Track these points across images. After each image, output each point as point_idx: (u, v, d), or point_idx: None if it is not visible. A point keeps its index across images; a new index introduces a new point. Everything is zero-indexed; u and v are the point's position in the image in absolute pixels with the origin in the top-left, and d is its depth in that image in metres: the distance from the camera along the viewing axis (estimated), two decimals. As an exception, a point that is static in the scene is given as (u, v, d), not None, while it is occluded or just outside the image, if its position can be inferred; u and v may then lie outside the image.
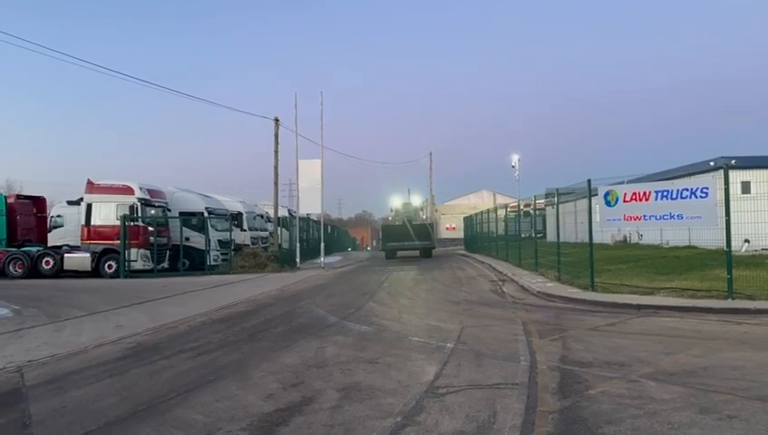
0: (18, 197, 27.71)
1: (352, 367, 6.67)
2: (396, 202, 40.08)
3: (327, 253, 30.47)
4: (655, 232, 23.53)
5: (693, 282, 12.28)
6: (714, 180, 11.19)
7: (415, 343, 8.16)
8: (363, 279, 20.16)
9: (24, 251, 23.47)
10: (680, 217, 11.59)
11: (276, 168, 26.80)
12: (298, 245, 28.00)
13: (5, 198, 26.31)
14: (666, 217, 11.80)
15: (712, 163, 18.74)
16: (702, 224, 11.75)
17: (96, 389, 6.21)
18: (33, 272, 22.77)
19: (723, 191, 10.60)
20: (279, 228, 27.57)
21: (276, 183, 27.02)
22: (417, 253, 33.47)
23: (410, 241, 32.62)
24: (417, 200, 42.42)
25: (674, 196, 11.61)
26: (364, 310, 11.83)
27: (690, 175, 21.28)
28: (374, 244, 69.38)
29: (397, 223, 36.02)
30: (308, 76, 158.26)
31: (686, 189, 11.48)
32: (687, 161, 25.11)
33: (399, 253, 33.74)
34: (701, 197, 11.23)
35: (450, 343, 7.89)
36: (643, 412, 4.67)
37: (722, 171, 10.68)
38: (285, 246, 28.50)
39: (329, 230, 43.03)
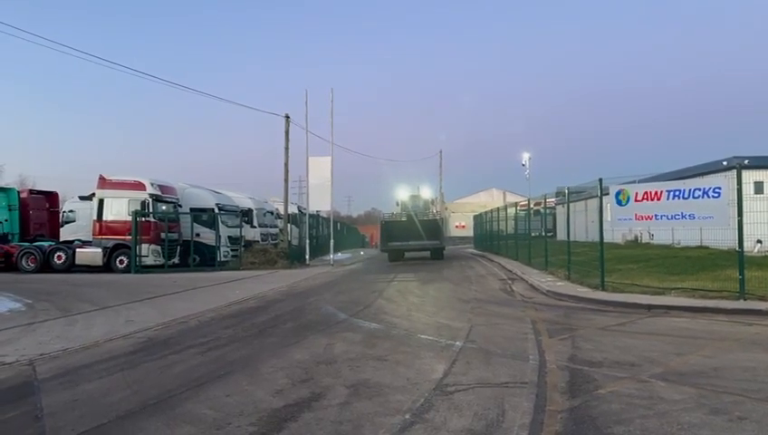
0: (31, 192, 28.14)
1: (361, 364, 6.69)
2: (402, 194, 33.58)
3: (336, 250, 30.46)
4: (666, 232, 23.38)
5: (704, 282, 12.18)
6: (726, 180, 11.08)
7: (424, 340, 8.17)
8: (372, 276, 20.19)
9: (37, 246, 23.75)
10: (692, 216, 11.49)
11: (287, 164, 26.84)
12: (307, 241, 28.04)
13: (19, 192, 26.68)
14: (677, 217, 11.71)
15: (725, 163, 18.54)
16: (714, 224, 11.64)
17: (107, 383, 6.26)
18: (46, 266, 23.03)
19: (735, 191, 10.50)
20: (289, 225, 27.64)
21: (287, 180, 27.06)
22: (426, 253, 29.55)
23: (417, 240, 27.83)
24: (427, 193, 36.13)
25: (686, 195, 11.52)
26: (373, 307, 11.85)
27: (702, 175, 21.08)
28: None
29: (402, 218, 30.58)
30: (319, 74, 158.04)
31: (699, 189, 11.38)
32: (699, 161, 24.95)
33: (405, 254, 29.50)
34: (713, 196, 11.13)
35: (459, 341, 7.89)
36: (653, 413, 4.64)
37: (735, 171, 10.58)
38: (295, 242, 28.54)
39: (338, 227, 43.01)
